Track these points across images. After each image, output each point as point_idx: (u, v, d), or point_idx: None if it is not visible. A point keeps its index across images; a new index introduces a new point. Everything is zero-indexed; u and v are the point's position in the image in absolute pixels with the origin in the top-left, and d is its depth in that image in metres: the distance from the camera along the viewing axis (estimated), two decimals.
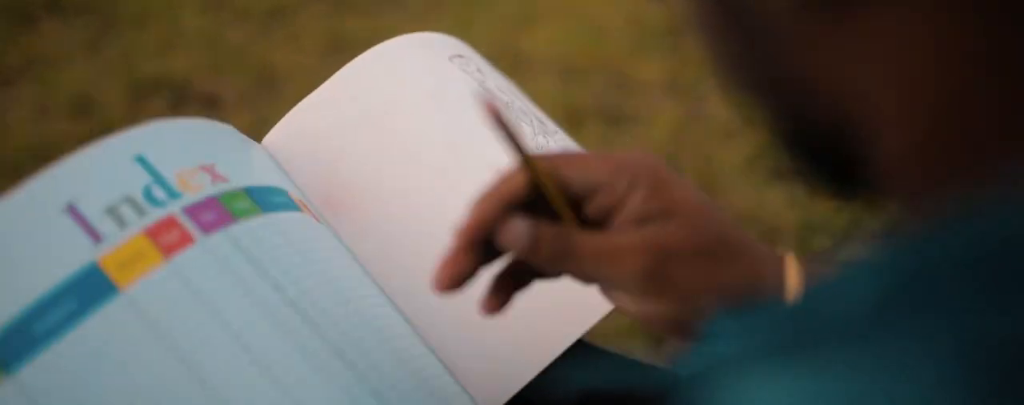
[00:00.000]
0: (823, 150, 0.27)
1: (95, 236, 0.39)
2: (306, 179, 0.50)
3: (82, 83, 1.66)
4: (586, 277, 0.38)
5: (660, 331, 0.40)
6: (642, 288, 0.37)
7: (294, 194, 0.48)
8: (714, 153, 1.50)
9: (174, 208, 0.41)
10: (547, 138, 0.53)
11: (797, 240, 1.33)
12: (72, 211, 0.41)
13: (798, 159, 0.28)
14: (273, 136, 0.51)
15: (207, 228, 0.41)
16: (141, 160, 0.42)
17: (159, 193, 0.42)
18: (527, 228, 0.37)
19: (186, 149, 0.44)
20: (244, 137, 0.49)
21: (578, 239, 0.37)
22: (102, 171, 0.42)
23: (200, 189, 0.42)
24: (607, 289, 0.39)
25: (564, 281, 0.40)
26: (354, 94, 0.52)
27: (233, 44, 1.78)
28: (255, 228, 0.42)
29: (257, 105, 1.64)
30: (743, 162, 1.47)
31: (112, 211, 0.40)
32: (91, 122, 1.58)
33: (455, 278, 0.38)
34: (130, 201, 0.41)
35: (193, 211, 0.41)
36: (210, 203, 0.42)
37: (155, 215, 0.41)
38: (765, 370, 0.21)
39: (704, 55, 0.29)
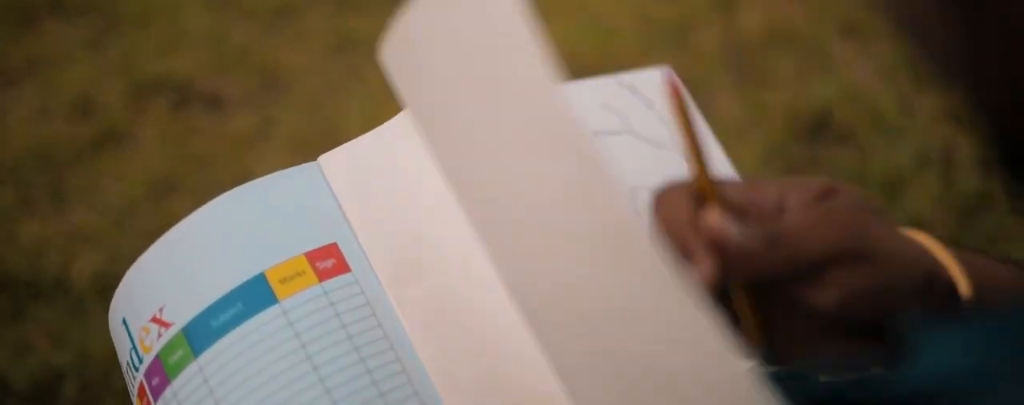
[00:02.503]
0: None
1: None
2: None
3: (83, 84, 1.64)
4: (800, 260, 0.35)
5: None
6: (859, 247, 0.35)
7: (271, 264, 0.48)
8: (728, 151, 1.47)
9: (140, 377, 0.48)
10: None
11: None
12: None
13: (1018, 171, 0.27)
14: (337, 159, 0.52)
15: (156, 394, 0.47)
16: (124, 323, 0.50)
17: (135, 360, 0.49)
18: (735, 222, 0.34)
19: (145, 296, 0.49)
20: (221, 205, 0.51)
21: (780, 222, 0.35)
22: None
23: (150, 349, 0.48)
24: (817, 286, 0.36)
25: None
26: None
27: (237, 44, 1.76)
28: (187, 382, 0.46)
29: (262, 105, 1.62)
30: (757, 160, 1.44)
31: None
32: (92, 123, 1.56)
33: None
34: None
35: (148, 377, 0.48)
36: (155, 366, 0.48)
37: (136, 382, 0.49)
38: None
39: (915, 52, 0.27)
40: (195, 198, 1.43)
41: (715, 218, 0.35)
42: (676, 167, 0.55)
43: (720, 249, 0.34)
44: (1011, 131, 0.27)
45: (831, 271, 0.35)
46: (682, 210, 0.36)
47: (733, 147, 1.61)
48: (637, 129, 0.56)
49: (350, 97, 1.63)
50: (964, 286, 0.38)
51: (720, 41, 1.72)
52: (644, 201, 0.52)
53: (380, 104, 1.61)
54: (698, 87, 1.62)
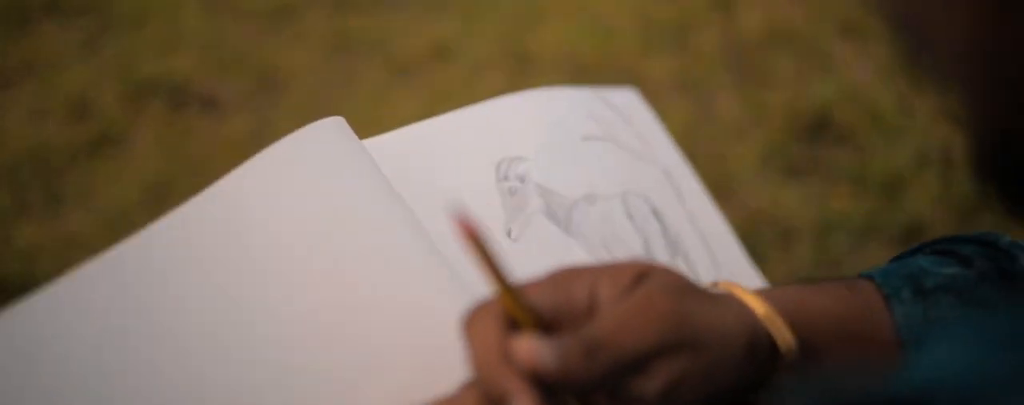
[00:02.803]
0: None
1: None
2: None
3: (79, 85, 1.63)
4: (625, 358, 0.34)
5: None
6: (677, 333, 0.35)
7: None
8: (727, 151, 1.46)
9: None
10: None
11: (814, 239, 1.29)
12: None
13: (1009, 174, 0.26)
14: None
15: None
16: None
17: None
18: (547, 344, 0.33)
19: None
20: None
21: (593, 326, 0.34)
22: None
23: None
24: (643, 378, 0.35)
25: None
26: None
27: (234, 45, 1.75)
28: None
29: (259, 107, 1.61)
30: (757, 160, 1.43)
31: None
32: (88, 126, 1.55)
33: None
34: None
35: None
36: None
37: None
38: None
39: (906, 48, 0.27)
40: None
41: (527, 347, 0.33)
42: (653, 178, 0.56)
43: (538, 376, 0.33)
44: (1006, 131, 0.27)
45: (652, 362, 0.35)
46: (492, 343, 0.34)
47: (733, 147, 1.61)
48: (619, 139, 0.56)
49: (348, 98, 1.62)
50: (786, 340, 0.37)
51: (720, 41, 1.72)
52: (634, 204, 0.53)
53: (378, 105, 1.60)
54: (698, 87, 1.61)
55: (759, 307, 0.38)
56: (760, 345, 0.37)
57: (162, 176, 1.46)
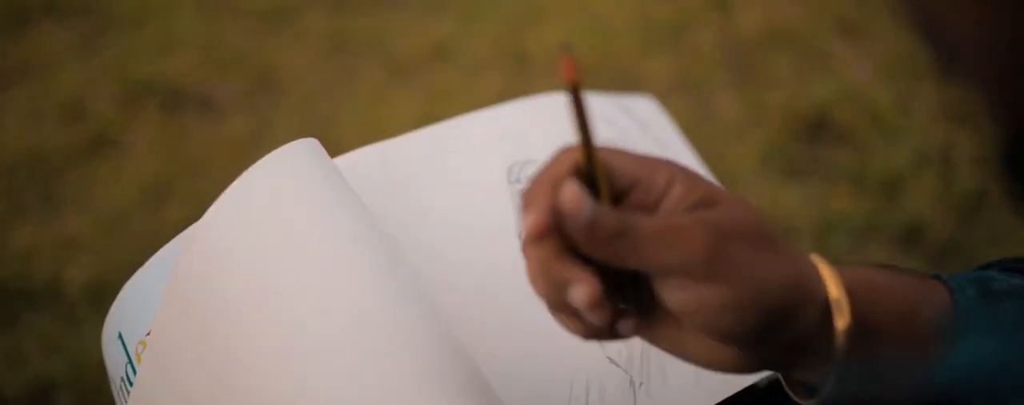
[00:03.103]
0: None
1: None
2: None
3: (76, 87, 1.63)
4: (645, 262, 0.36)
5: (720, 362, 0.38)
6: (705, 269, 0.36)
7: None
8: (727, 151, 1.46)
9: None
10: None
11: (814, 239, 1.29)
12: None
13: None
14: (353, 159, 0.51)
15: None
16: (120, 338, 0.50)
17: (132, 375, 0.49)
18: (587, 199, 0.35)
19: (143, 310, 0.50)
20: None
21: (638, 219, 0.36)
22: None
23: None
24: (664, 286, 0.37)
25: None
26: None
27: (231, 46, 1.74)
28: None
29: (258, 108, 1.60)
30: (757, 160, 1.43)
31: None
32: (85, 128, 1.55)
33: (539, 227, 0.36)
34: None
35: None
36: None
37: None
38: None
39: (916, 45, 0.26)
40: (188, 204, 1.42)
41: (574, 190, 0.35)
42: None
43: (557, 215, 0.35)
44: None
45: (673, 279, 0.36)
46: (554, 169, 0.37)
47: (732, 147, 1.61)
48: (634, 145, 0.56)
49: (346, 99, 1.62)
50: (843, 317, 0.38)
51: (719, 41, 1.71)
52: None
53: (376, 106, 1.60)
54: (697, 87, 1.61)
55: (833, 287, 0.38)
56: (805, 312, 0.38)
57: (160, 177, 1.46)
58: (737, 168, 1.42)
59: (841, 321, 0.37)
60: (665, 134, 0.61)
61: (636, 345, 0.48)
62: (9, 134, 1.54)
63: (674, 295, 0.36)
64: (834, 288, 0.38)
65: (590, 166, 0.36)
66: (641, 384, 0.48)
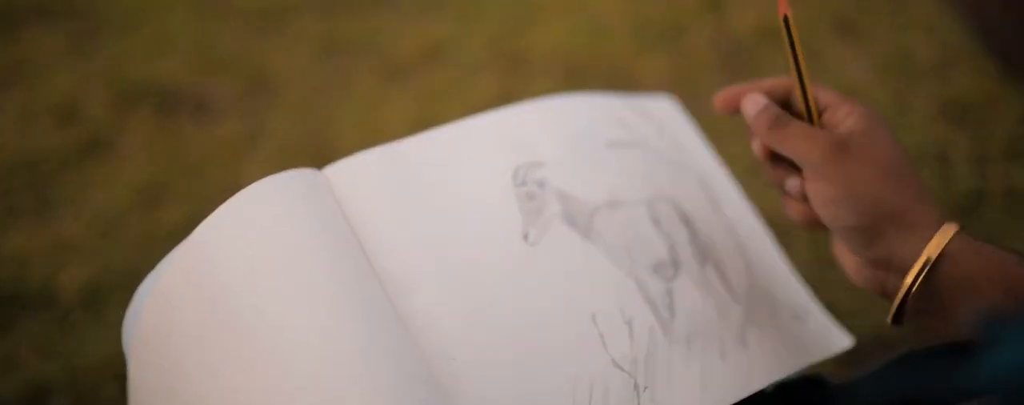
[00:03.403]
0: None
1: None
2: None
3: (68, 90, 1.62)
4: (789, 149, 0.50)
5: (859, 257, 0.50)
6: (821, 167, 0.48)
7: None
8: (722, 151, 1.45)
9: None
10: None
11: (810, 239, 1.29)
12: None
13: None
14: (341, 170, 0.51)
15: None
16: None
17: None
18: (763, 100, 0.53)
19: None
20: None
21: (791, 119, 0.51)
22: None
23: None
24: (805, 176, 0.50)
25: None
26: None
27: (224, 48, 1.73)
28: None
29: (252, 109, 1.60)
30: (752, 160, 1.42)
31: None
32: (77, 131, 1.54)
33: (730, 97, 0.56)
34: None
35: None
36: None
37: None
38: None
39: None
40: (183, 207, 1.41)
41: (756, 96, 0.54)
42: (687, 185, 0.56)
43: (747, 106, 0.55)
44: None
45: (806, 171, 0.50)
46: (772, 84, 0.55)
47: (728, 147, 1.59)
48: (648, 145, 0.56)
49: (340, 100, 1.61)
50: (911, 275, 0.46)
51: (713, 41, 1.71)
52: (661, 211, 0.53)
53: (371, 108, 1.59)
54: (691, 87, 1.60)
55: (931, 246, 0.47)
56: (898, 240, 0.47)
57: (155, 180, 1.45)
58: (732, 168, 1.42)
59: (909, 278, 0.46)
60: (683, 135, 0.61)
61: (641, 349, 0.48)
62: (2, 137, 1.54)
63: (806, 183, 0.50)
64: (931, 247, 0.46)
65: (801, 85, 0.51)
66: (646, 388, 0.47)
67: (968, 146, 1.40)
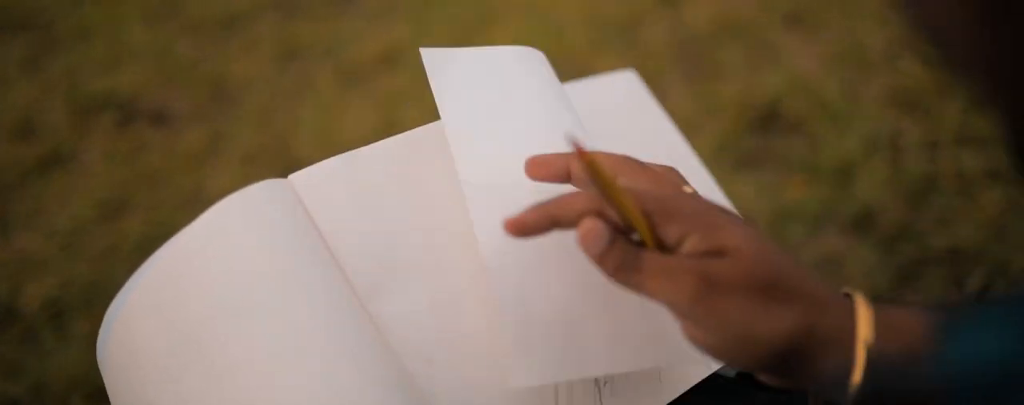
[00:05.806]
0: None
1: None
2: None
3: (24, 104, 1.60)
4: (648, 293, 0.41)
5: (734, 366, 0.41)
6: (689, 311, 0.40)
7: None
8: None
9: None
10: None
11: (770, 229, 1.31)
12: None
13: None
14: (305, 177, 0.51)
15: None
16: None
17: None
18: (605, 231, 0.41)
19: None
20: None
21: (642, 255, 0.41)
22: None
23: None
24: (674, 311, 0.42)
25: None
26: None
27: (182, 57, 1.73)
28: None
29: (212, 119, 1.59)
30: (711, 153, 1.44)
31: None
32: (36, 145, 1.52)
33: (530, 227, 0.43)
34: None
35: None
36: None
37: None
38: None
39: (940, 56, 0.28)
40: (146, 218, 1.40)
41: (586, 225, 0.42)
42: (651, 159, 0.57)
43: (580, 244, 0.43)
44: None
45: (674, 312, 0.41)
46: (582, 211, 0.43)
47: (689, 140, 1.62)
48: (612, 126, 0.57)
49: (300, 107, 1.61)
50: (858, 373, 0.39)
51: (669, 36, 1.73)
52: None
53: (331, 113, 1.59)
54: (649, 82, 1.62)
55: (859, 341, 0.39)
56: (817, 360, 0.39)
57: (115, 193, 1.44)
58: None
59: (856, 375, 0.39)
60: (643, 109, 0.62)
61: None
62: None
63: (682, 329, 0.41)
64: (860, 343, 0.39)
65: (623, 215, 0.41)
66: (606, 383, 0.49)
67: (919, 133, 1.43)
